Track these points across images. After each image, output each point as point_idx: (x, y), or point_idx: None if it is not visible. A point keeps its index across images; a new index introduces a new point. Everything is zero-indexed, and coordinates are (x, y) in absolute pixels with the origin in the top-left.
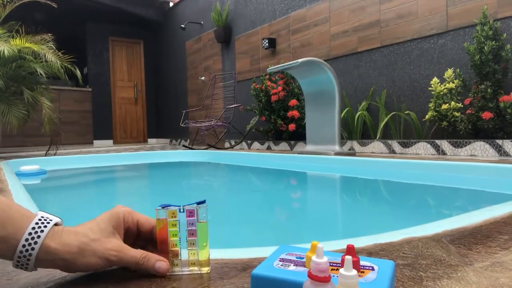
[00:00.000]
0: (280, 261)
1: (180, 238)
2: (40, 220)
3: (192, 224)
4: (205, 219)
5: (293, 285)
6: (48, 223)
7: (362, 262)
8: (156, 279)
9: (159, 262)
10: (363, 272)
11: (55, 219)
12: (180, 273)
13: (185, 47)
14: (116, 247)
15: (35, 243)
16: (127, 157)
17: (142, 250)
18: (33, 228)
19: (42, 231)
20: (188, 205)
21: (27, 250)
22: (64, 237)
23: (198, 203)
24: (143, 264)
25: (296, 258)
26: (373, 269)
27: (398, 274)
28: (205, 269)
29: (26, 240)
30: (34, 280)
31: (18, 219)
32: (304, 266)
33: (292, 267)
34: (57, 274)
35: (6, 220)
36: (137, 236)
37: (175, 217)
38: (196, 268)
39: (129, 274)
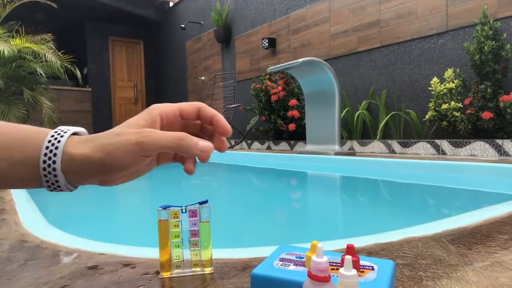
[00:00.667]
0: (280, 260)
1: (182, 239)
2: (56, 132)
3: (195, 224)
4: (208, 219)
5: (292, 284)
6: (65, 132)
7: (362, 262)
8: (156, 279)
9: (203, 141)
10: (363, 271)
11: (74, 129)
12: (183, 274)
13: (185, 47)
14: (149, 129)
15: (54, 154)
16: None
17: None
18: (49, 141)
19: (59, 141)
20: (191, 205)
21: (49, 166)
22: (88, 143)
23: (201, 203)
24: (185, 140)
25: (296, 257)
26: (373, 268)
27: (398, 274)
28: (207, 270)
29: (45, 155)
30: (34, 280)
31: (33, 137)
32: (304, 266)
33: (292, 267)
34: (57, 274)
35: (22, 141)
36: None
37: (177, 217)
38: (198, 268)
39: (129, 274)
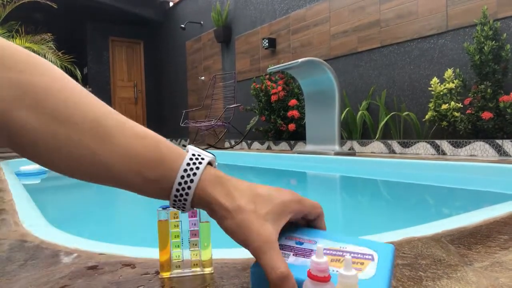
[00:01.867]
0: (280, 249)
1: (182, 239)
2: (193, 155)
3: (195, 224)
4: (208, 219)
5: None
6: (203, 159)
7: (361, 249)
8: (156, 279)
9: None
10: (363, 263)
11: (208, 156)
12: (183, 274)
13: (185, 47)
14: (273, 235)
15: (189, 188)
16: None
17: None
18: (186, 168)
19: (197, 167)
20: None
21: (181, 195)
22: (222, 184)
23: None
24: (284, 278)
25: (296, 243)
26: (372, 258)
27: (398, 274)
28: (207, 270)
29: (179, 184)
30: (34, 280)
31: (168, 157)
32: (304, 256)
33: (291, 258)
34: (57, 274)
35: (157, 160)
36: None
37: (177, 218)
38: (198, 269)
39: (129, 274)
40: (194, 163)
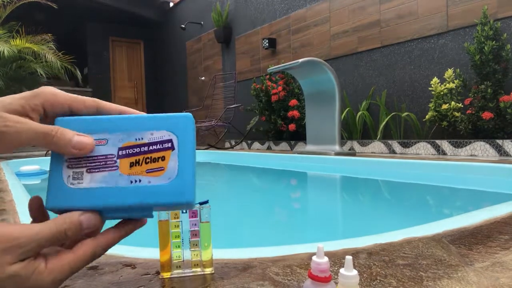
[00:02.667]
0: (69, 168)
1: (182, 239)
2: None
3: (195, 224)
4: (208, 219)
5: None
6: None
7: (159, 135)
8: (156, 279)
9: (79, 137)
10: (164, 158)
11: None
12: (183, 275)
13: (185, 47)
14: (16, 118)
15: None
16: None
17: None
18: None
19: None
20: None
21: None
22: None
23: (201, 203)
24: (54, 136)
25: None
26: (172, 146)
27: (398, 274)
28: (208, 270)
29: None
30: None
31: None
32: (99, 169)
33: (87, 178)
34: None
35: None
36: None
37: (177, 218)
38: (199, 269)
39: (129, 275)
40: None
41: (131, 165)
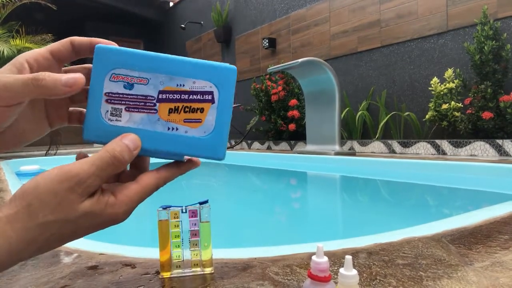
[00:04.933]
0: (108, 103)
1: (182, 239)
2: None
3: (195, 224)
4: (208, 219)
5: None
6: None
7: (201, 84)
8: (156, 279)
9: (69, 74)
10: (202, 110)
11: None
12: (183, 274)
13: (185, 47)
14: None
15: None
16: None
17: None
18: None
19: None
20: (191, 205)
21: None
22: None
23: (201, 203)
24: (43, 80)
25: (124, 87)
26: (212, 99)
27: (398, 274)
28: (208, 270)
29: None
30: (34, 280)
31: None
32: (138, 109)
33: (125, 116)
34: (57, 274)
35: None
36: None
37: (177, 218)
38: (199, 269)
39: (129, 275)
40: None
41: (170, 111)
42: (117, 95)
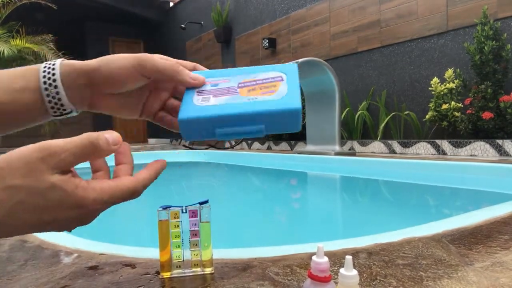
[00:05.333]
0: (198, 95)
1: (182, 239)
2: (47, 62)
3: (195, 224)
4: (208, 219)
5: (218, 119)
6: (56, 60)
7: (270, 74)
8: (156, 279)
9: (195, 74)
10: (275, 85)
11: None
12: (183, 274)
13: (185, 47)
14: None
15: (53, 69)
16: None
17: None
18: (45, 66)
19: (54, 62)
20: (191, 205)
21: (49, 78)
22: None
23: (201, 203)
24: (181, 70)
25: (211, 86)
26: (282, 79)
27: (398, 274)
28: (208, 270)
29: (44, 71)
30: (34, 280)
31: (27, 68)
32: (223, 94)
33: (212, 100)
34: (58, 274)
35: (21, 72)
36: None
37: (177, 218)
38: (199, 269)
39: (129, 275)
40: (51, 62)
41: (249, 91)
42: (206, 90)
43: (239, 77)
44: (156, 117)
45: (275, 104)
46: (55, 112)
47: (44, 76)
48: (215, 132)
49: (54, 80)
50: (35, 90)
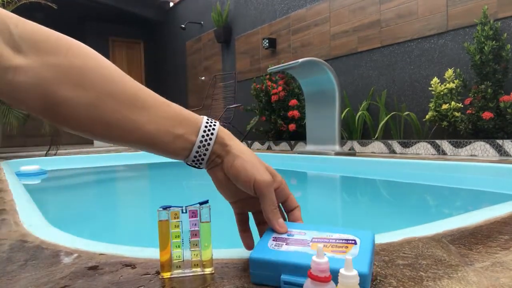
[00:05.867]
0: (273, 240)
1: (182, 239)
2: (208, 119)
3: (195, 224)
4: (208, 219)
5: (285, 265)
6: (216, 122)
7: (345, 236)
8: (156, 279)
9: (282, 220)
10: (347, 247)
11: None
12: (183, 275)
13: (185, 47)
14: (270, 178)
15: (212, 134)
16: (128, 157)
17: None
18: (206, 124)
19: (214, 124)
20: (191, 205)
21: (204, 144)
22: (233, 140)
23: (201, 203)
24: (276, 210)
25: (287, 235)
26: (355, 242)
27: (398, 274)
28: (208, 270)
29: (204, 132)
30: (34, 280)
31: (191, 118)
32: (295, 245)
33: (284, 247)
34: (58, 274)
35: (183, 120)
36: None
37: (177, 218)
38: (199, 269)
39: (129, 275)
40: (211, 121)
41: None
42: (281, 238)
43: (315, 232)
44: (241, 216)
45: (342, 263)
46: (192, 163)
47: (203, 136)
48: (280, 278)
49: (209, 144)
50: (190, 143)
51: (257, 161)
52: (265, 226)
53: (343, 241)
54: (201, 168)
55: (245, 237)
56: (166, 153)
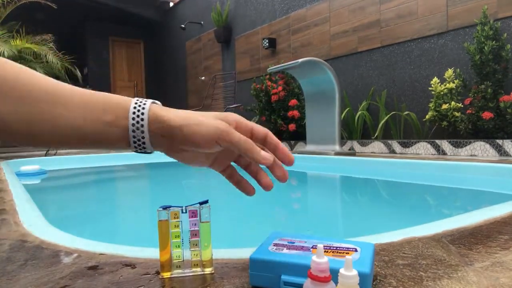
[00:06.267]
0: (274, 245)
1: (182, 239)
2: (137, 99)
3: (195, 224)
4: (208, 219)
5: (285, 265)
6: (146, 100)
7: (346, 245)
8: (156, 279)
9: (266, 153)
10: (348, 253)
11: (151, 100)
12: (183, 274)
13: (185, 47)
14: (229, 126)
15: (142, 114)
16: (128, 157)
17: None
18: (135, 104)
19: (144, 104)
20: (191, 205)
21: (137, 122)
22: (169, 111)
23: (201, 203)
24: (253, 145)
25: (288, 242)
26: (356, 250)
27: (398, 274)
28: (208, 270)
29: (134, 113)
30: (34, 280)
31: (118, 101)
32: (296, 249)
33: (285, 251)
34: (57, 274)
35: (111, 105)
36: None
37: (177, 218)
38: (199, 269)
39: (129, 275)
40: (140, 101)
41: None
42: (282, 244)
43: (316, 241)
44: (226, 172)
45: (342, 264)
46: (135, 149)
47: (133, 118)
48: (281, 279)
49: (142, 125)
50: (124, 128)
51: (202, 117)
52: (252, 166)
53: (344, 248)
54: (152, 153)
55: (242, 187)
56: (105, 144)
